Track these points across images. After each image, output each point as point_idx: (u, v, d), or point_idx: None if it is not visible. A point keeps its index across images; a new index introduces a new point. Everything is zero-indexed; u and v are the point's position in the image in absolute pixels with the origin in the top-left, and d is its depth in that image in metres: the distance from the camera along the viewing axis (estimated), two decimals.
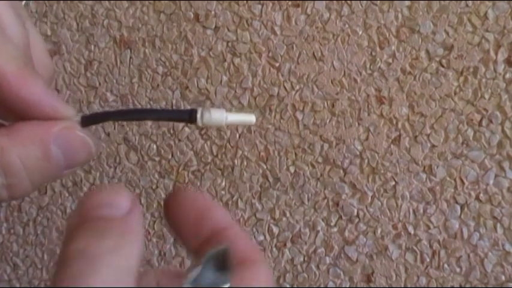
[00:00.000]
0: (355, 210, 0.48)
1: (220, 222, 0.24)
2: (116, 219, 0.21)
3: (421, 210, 0.47)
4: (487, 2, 0.46)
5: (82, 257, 0.19)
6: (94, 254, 0.19)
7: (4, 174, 0.21)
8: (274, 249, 0.49)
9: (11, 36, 0.22)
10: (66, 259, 0.19)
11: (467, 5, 0.46)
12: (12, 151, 0.21)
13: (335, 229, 0.48)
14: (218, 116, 0.24)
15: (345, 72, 0.48)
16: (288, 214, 0.49)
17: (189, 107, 0.50)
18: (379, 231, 0.48)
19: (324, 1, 0.48)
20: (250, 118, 0.24)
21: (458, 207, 0.47)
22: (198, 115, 0.24)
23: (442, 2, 0.46)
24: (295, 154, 0.48)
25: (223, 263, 0.21)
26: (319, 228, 0.48)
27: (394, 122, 0.47)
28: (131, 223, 0.21)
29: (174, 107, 0.50)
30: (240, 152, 0.49)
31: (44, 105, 0.22)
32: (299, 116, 0.48)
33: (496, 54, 0.46)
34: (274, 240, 0.49)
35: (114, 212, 0.21)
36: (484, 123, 0.46)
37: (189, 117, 0.24)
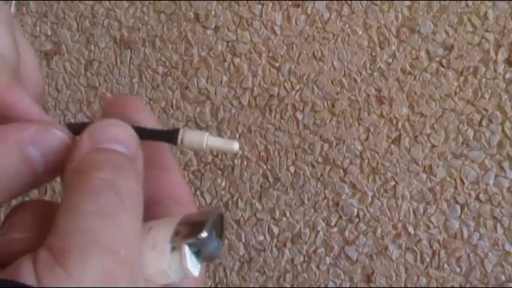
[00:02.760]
0: (355, 210, 0.48)
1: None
2: (129, 157, 0.21)
3: (421, 210, 0.47)
4: (487, 2, 0.46)
5: (111, 190, 0.19)
6: (121, 189, 0.19)
7: None
8: (274, 249, 0.49)
9: (3, 56, 0.22)
10: (95, 187, 0.19)
11: (467, 5, 0.46)
12: None
13: (335, 229, 0.48)
14: (199, 138, 0.23)
15: (345, 72, 0.48)
16: (288, 214, 0.49)
17: (188, 107, 0.50)
18: (379, 231, 0.48)
19: (324, 1, 0.48)
20: (232, 145, 0.23)
21: (458, 207, 0.47)
22: (179, 138, 0.23)
23: (442, 2, 0.46)
24: (295, 154, 0.48)
25: (220, 228, 0.21)
26: (319, 228, 0.48)
27: (394, 122, 0.47)
28: (139, 166, 0.21)
29: (174, 107, 0.50)
30: (240, 152, 0.49)
31: (32, 113, 0.21)
32: (299, 116, 0.48)
33: (496, 54, 0.46)
34: (274, 240, 0.49)
35: (126, 151, 0.21)
36: (484, 123, 0.46)
37: (170, 138, 0.24)
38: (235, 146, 0.23)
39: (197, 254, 0.20)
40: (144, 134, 0.26)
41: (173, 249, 0.20)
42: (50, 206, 0.22)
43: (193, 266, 0.20)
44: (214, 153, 0.50)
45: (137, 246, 0.19)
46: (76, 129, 0.23)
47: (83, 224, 0.18)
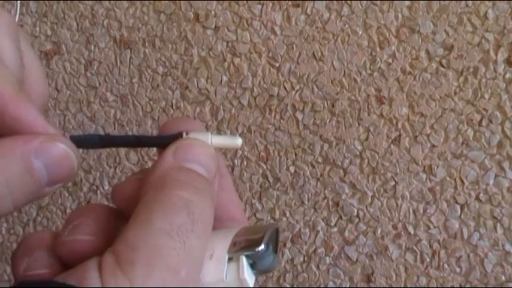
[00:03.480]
0: (355, 210, 0.48)
1: None
2: (208, 181, 0.22)
3: (421, 210, 0.47)
4: (487, 2, 0.46)
5: (187, 210, 0.20)
6: (194, 211, 0.20)
7: None
8: None
9: (8, 67, 0.22)
10: (172, 204, 0.20)
11: (467, 5, 0.46)
12: None
13: (335, 229, 0.48)
14: (203, 138, 0.23)
15: (345, 72, 0.48)
16: (288, 214, 0.49)
17: (188, 107, 0.50)
18: (379, 231, 0.48)
19: (324, 1, 0.48)
20: (235, 141, 0.24)
21: (458, 207, 0.47)
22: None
23: (442, 2, 0.46)
24: (295, 154, 0.48)
25: (275, 242, 0.22)
26: (319, 228, 0.48)
27: (394, 122, 0.47)
28: (214, 190, 0.22)
29: (174, 107, 0.50)
30: (240, 152, 0.49)
31: (37, 126, 0.21)
32: (299, 116, 0.48)
33: (496, 54, 0.46)
34: None
35: (207, 175, 0.22)
36: (484, 123, 0.46)
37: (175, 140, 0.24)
38: (239, 141, 0.24)
39: (252, 266, 0.21)
40: (149, 141, 0.26)
41: (230, 259, 0.21)
42: (110, 210, 0.23)
43: (249, 277, 0.21)
44: None
45: (199, 267, 0.20)
46: (79, 141, 0.23)
47: (153, 241, 0.19)
